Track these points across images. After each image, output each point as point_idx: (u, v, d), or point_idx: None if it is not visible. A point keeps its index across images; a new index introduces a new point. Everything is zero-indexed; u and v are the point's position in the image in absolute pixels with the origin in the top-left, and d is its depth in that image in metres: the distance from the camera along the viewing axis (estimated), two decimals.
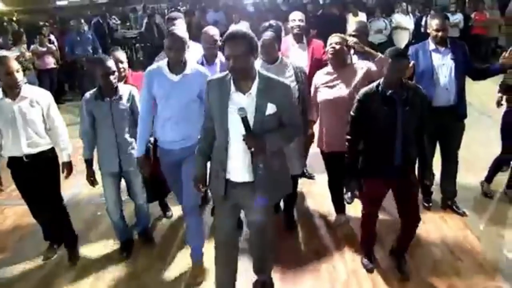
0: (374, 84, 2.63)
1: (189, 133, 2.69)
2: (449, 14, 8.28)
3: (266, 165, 2.26)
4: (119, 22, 11.90)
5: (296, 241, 3.31)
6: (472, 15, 8.78)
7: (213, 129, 2.32)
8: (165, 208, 3.75)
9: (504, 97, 3.68)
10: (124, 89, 2.99)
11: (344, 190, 3.57)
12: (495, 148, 3.76)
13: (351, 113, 2.70)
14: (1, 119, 2.89)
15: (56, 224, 3.25)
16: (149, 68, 2.79)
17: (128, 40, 10.73)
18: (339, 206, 3.45)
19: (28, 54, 6.51)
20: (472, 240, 3.15)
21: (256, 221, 2.42)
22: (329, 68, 3.11)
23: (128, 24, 11.94)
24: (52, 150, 3.09)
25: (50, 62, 7.28)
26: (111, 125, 2.93)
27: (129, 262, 3.18)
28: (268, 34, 3.02)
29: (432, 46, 3.29)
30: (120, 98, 2.94)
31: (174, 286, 2.92)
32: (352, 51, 3.24)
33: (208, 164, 2.47)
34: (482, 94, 5.46)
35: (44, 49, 7.19)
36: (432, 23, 3.25)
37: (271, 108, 2.18)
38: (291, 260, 3.04)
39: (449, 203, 3.57)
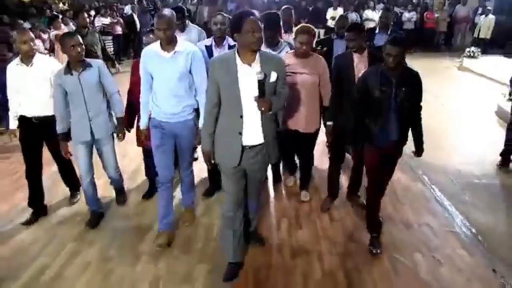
0: (376, 66, 2.79)
1: (185, 106, 2.87)
2: (406, 12, 11.49)
3: (269, 129, 2.47)
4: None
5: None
6: (425, 14, 11.86)
7: (218, 104, 2.41)
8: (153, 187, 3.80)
9: None
10: (92, 63, 3.08)
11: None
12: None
13: (355, 92, 2.88)
14: (17, 82, 3.15)
15: (62, 172, 3.63)
16: (144, 49, 2.91)
17: None
18: (291, 169, 4.13)
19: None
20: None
21: (257, 176, 2.67)
22: (295, 57, 3.33)
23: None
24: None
25: (118, 29, 10.16)
26: (82, 96, 3.01)
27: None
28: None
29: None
30: (88, 70, 3.02)
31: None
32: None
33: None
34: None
35: (115, 20, 10.18)
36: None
37: (274, 76, 2.35)
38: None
39: None
